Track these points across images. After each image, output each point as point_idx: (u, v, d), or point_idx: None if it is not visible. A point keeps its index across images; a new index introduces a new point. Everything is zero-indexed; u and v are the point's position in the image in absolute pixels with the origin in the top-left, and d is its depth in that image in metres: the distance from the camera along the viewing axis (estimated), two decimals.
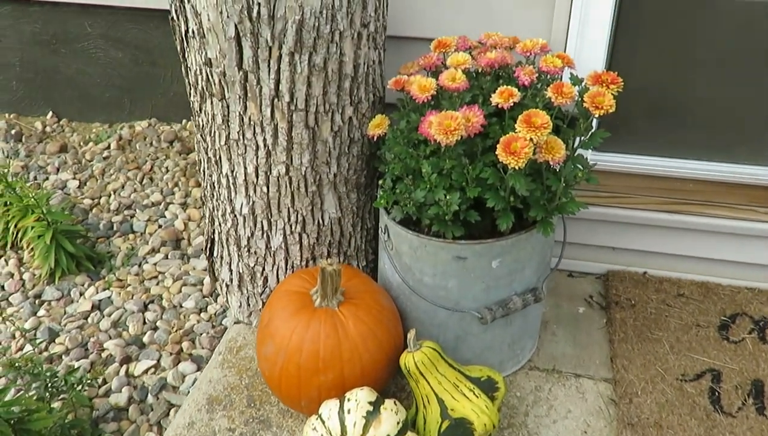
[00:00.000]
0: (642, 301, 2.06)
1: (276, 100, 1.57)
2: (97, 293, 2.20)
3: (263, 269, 1.84)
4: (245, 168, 1.69)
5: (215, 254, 1.95)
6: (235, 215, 1.79)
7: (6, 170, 2.63)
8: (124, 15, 2.87)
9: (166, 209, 2.59)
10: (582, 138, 1.47)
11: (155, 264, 2.32)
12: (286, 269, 1.83)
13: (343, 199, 1.78)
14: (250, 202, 1.74)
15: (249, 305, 1.93)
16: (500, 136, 1.47)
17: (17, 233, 2.30)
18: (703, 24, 1.86)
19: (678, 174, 2.02)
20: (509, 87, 1.47)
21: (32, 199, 2.22)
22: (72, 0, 2.88)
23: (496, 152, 1.38)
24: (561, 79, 1.55)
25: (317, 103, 1.60)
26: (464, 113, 1.45)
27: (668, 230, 2.08)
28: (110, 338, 2.03)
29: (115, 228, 2.49)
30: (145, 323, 2.09)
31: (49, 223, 2.21)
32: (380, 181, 1.61)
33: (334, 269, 1.53)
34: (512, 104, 1.46)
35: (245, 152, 1.67)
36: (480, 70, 1.59)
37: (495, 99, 1.47)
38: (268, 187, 1.71)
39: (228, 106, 1.62)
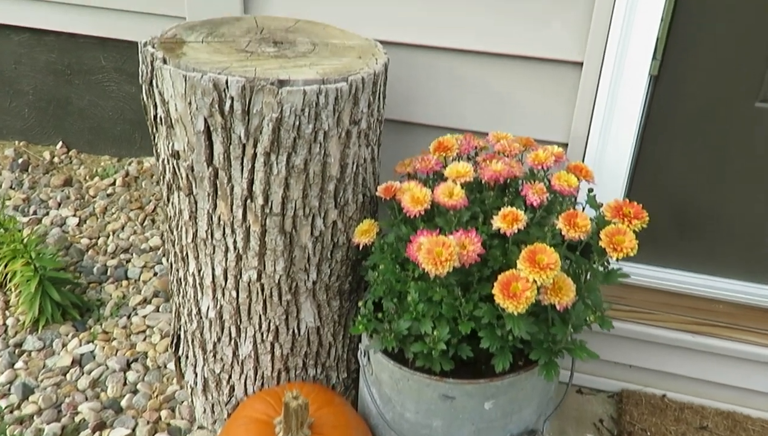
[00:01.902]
0: (659, 433, 1.81)
1: (249, 201, 1.38)
2: (80, 345, 2.06)
3: (230, 376, 1.64)
4: (213, 269, 1.50)
5: (181, 351, 1.75)
6: (201, 317, 1.59)
7: (6, 203, 2.51)
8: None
9: (164, 256, 2.43)
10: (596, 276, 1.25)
11: (145, 317, 2.17)
12: (255, 379, 1.62)
13: (323, 307, 1.58)
14: (218, 306, 1.55)
15: (213, 412, 1.72)
16: (501, 263, 1.27)
17: (6, 275, 2.16)
18: (740, 134, 1.66)
19: (705, 293, 1.79)
20: (514, 210, 1.27)
21: (20, 244, 2.08)
22: (88, 32, 2.85)
23: (493, 292, 1.17)
24: (576, 200, 1.34)
25: (295, 207, 1.40)
26: (459, 239, 1.25)
27: (692, 352, 1.85)
28: (86, 399, 1.87)
29: (108, 273, 2.36)
30: (125, 383, 1.93)
31: (36, 268, 2.07)
32: (360, 303, 1.41)
33: (300, 403, 1.32)
34: (516, 231, 1.25)
35: (213, 253, 1.47)
36: (483, 182, 1.38)
37: (498, 223, 1.26)
38: (237, 292, 1.51)
39: (196, 203, 1.43)
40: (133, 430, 1.78)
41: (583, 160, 1.68)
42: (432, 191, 1.35)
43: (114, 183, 2.88)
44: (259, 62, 1.34)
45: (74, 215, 2.66)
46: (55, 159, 3.05)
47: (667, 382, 1.94)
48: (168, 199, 1.51)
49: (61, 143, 3.10)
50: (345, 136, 1.38)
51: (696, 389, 1.92)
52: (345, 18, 1.69)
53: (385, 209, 1.49)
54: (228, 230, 1.43)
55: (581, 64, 1.61)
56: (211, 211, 1.42)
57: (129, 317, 2.17)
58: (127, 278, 2.35)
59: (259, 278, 1.47)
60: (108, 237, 2.55)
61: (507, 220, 1.26)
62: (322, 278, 1.53)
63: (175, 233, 1.54)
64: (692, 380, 1.90)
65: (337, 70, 1.34)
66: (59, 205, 2.73)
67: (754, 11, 1.54)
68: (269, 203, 1.38)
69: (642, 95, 1.60)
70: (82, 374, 1.96)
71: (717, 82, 1.63)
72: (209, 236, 1.45)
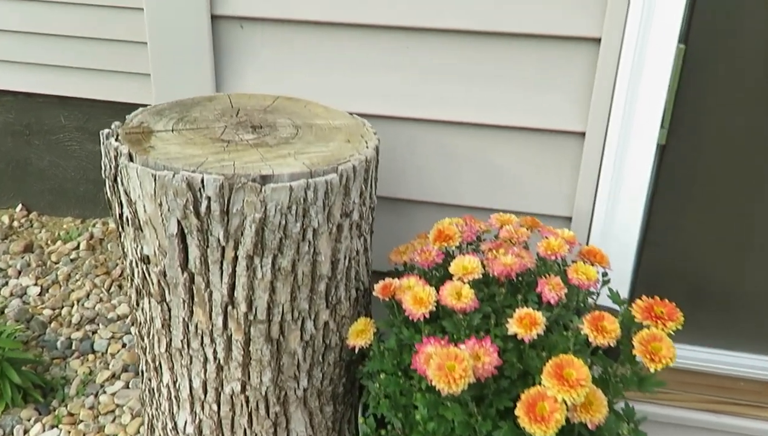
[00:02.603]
0: None
1: (230, 308, 1.22)
2: (44, 430, 1.88)
3: None
4: (190, 381, 1.33)
5: None
6: (178, 432, 1.41)
7: None
8: (102, 108, 2.76)
9: (132, 324, 2.23)
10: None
11: (113, 394, 2.01)
12: None
13: (315, 414, 1.41)
14: (196, 420, 1.37)
15: None
16: (518, 370, 1.13)
17: None
18: (756, 202, 1.55)
19: (727, 371, 1.66)
20: (531, 312, 1.13)
21: None
22: (48, 92, 2.79)
23: (516, 414, 1.03)
24: (597, 293, 1.22)
25: (283, 312, 1.25)
26: (473, 349, 1.10)
27: (714, 433, 1.71)
28: None
29: (73, 346, 2.20)
30: None
31: None
32: (360, 420, 1.25)
33: None
34: (535, 336, 1.11)
35: (191, 364, 1.30)
36: (493, 277, 1.24)
37: (514, 328, 1.12)
38: (219, 406, 1.34)
39: (170, 310, 1.26)
40: None
41: (588, 236, 1.57)
42: (436, 290, 1.21)
43: (78, 246, 2.75)
44: (237, 154, 1.19)
45: (35, 284, 2.51)
46: (15, 223, 2.93)
47: None
48: (137, 304, 1.34)
49: (21, 206, 3.01)
50: (336, 230, 1.24)
51: None
52: (326, 91, 1.57)
53: (380, 301, 1.35)
54: (207, 340, 1.26)
55: (583, 134, 1.50)
56: (187, 319, 1.25)
57: (96, 395, 2.02)
58: (93, 352, 2.19)
59: (244, 390, 1.31)
60: (72, 306, 2.41)
61: (524, 324, 1.12)
62: (313, 383, 1.37)
63: (146, 340, 1.37)
64: None
65: (326, 158, 1.21)
66: (19, 273, 2.58)
67: (765, 76, 1.45)
68: (253, 310, 1.23)
69: (650, 166, 1.49)
70: None
71: (729, 149, 1.53)
72: (185, 346, 1.29)
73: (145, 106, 1.40)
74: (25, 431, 1.88)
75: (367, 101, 1.57)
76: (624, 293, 1.59)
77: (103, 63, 2.69)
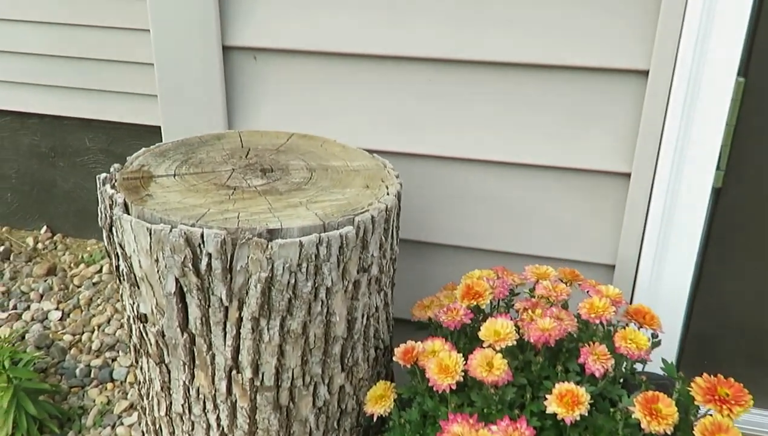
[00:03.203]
0: None
1: (234, 372, 1.10)
2: None
3: None
4: None
5: None
6: None
7: None
8: (126, 130, 2.74)
9: (134, 382, 2.15)
10: None
11: (131, 426, 1.92)
12: None
13: None
14: None
15: None
16: None
17: None
18: None
19: None
20: (573, 388, 0.99)
21: None
22: (73, 115, 2.77)
23: None
24: (646, 363, 1.07)
25: (293, 377, 1.12)
26: (506, 432, 0.96)
27: None
28: None
29: (92, 375, 2.12)
30: None
31: (10, 378, 1.82)
32: None
33: None
34: (578, 417, 0.96)
35: (192, 430, 1.19)
36: (528, 342, 1.10)
37: (553, 407, 0.98)
38: None
39: (169, 372, 1.15)
40: None
41: (633, 288, 1.42)
42: (465, 355, 1.07)
43: (101, 270, 2.69)
44: (243, 203, 1.08)
45: (57, 308, 2.45)
46: (39, 245, 2.90)
47: None
48: (136, 362, 1.23)
49: (45, 228, 2.98)
50: (353, 288, 1.11)
51: None
52: (344, 128, 1.45)
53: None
54: (210, 405, 1.14)
55: (628, 175, 1.36)
56: (188, 382, 1.14)
57: (113, 426, 1.93)
58: (112, 380, 2.11)
59: None
60: (93, 332, 2.34)
61: (565, 402, 0.98)
62: None
63: (145, 401, 1.25)
64: None
65: (341, 208, 1.08)
66: (41, 297, 2.52)
67: None
68: (260, 375, 1.10)
69: (704, 211, 1.34)
70: None
71: None
72: (186, 411, 1.17)
73: None
74: None
75: (388, 137, 1.45)
76: (672, 353, 1.43)
77: (125, 86, 2.67)
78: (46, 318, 2.40)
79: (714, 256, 1.45)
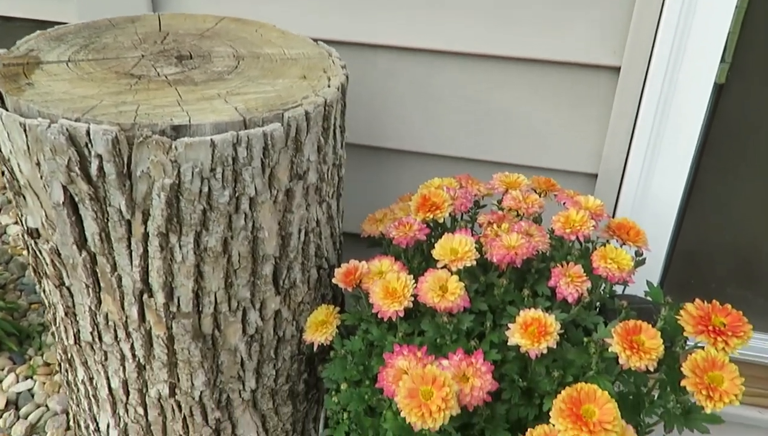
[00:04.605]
0: None
1: (146, 296, 0.93)
2: (18, 381, 1.67)
3: None
4: (108, 380, 1.06)
5: None
6: (101, 435, 1.15)
7: None
8: (23, 27, 2.39)
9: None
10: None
11: None
12: None
13: (270, 417, 1.14)
14: (121, 424, 1.11)
15: None
16: (518, 396, 0.84)
17: None
18: None
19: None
20: (540, 316, 0.83)
21: None
22: None
23: None
24: (627, 285, 0.91)
25: (216, 302, 0.96)
26: (458, 368, 0.81)
27: (756, 431, 1.44)
28: None
29: None
30: (68, 428, 1.53)
31: None
32: None
33: None
34: (545, 350, 0.81)
35: (106, 360, 1.03)
36: (492, 262, 0.93)
37: (515, 338, 0.83)
38: (145, 409, 1.07)
39: (72, 296, 0.98)
40: None
41: (617, 201, 1.25)
42: (414, 279, 0.91)
43: None
44: (147, 94, 0.88)
45: (16, 223, 2.24)
46: None
47: None
48: (39, 283, 1.06)
49: None
50: (284, 198, 0.93)
51: None
52: (289, 13, 1.23)
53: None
54: (122, 334, 0.98)
55: (618, 69, 1.16)
56: (94, 308, 0.97)
57: None
58: None
59: (173, 393, 1.04)
60: None
61: (529, 332, 0.82)
62: (264, 383, 1.10)
63: (53, 327, 1.09)
64: None
65: (268, 102, 0.89)
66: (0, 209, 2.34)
67: None
68: (175, 300, 0.94)
69: (702, 112, 1.15)
70: (18, 418, 1.57)
71: None
72: (96, 340, 1.01)
73: None
74: None
75: (339, 22, 1.23)
76: (655, 273, 1.29)
77: None
78: (5, 233, 2.21)
79: (709, 166, 1.28)
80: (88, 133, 0.80)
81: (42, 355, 1.73)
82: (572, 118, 1.22)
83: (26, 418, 1.56)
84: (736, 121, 1.23)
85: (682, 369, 0.75)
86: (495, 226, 0.96)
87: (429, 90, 1.26)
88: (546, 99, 1.22)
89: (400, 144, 1.31)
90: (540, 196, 1.04)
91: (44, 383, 1.65)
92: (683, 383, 0.74)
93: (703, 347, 0.78)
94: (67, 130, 0.79)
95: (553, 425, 0.74)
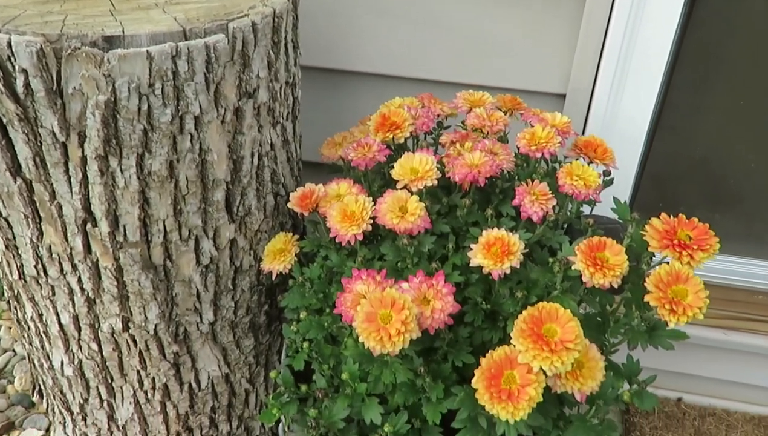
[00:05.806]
0: None
1: (90, 226, 0.88)
2: None
3: None
4: (58, 316, 1.01)
5: (46, 405, 1.29)
6: (56, 374, 1.11)
7: None
8: None
9: None
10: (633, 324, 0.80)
11: None
12: None
13: (231, 350, 1.11)
14: (75, 361, 1.07)
15: None
16: (481, 319, 0.81)
17: None
18: None
19: (744, 283, 1.37)
20: (503, 235, 0.80)
21: None
22: None
23: (474, 386, 0.72)
24: (595, 205, 0.88)
25: (165, 230, 0.91)
26: (419, 290, 0.78)
27: (718, 351, 1.46)
28: None
29: None
30: None
31: None
32: (272, 374, 0.94)
33: None
34: (508, 270, 0.78)
35: (53, 295, 0.98)
36: (455, 182, 0.89)
37: (478, 259, 0.79)
38: (99, 345, 1.03)
39: (11, 228, 0.92)
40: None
41: (585, 120, 1.21)
42: (374, 201, 0.87)
43: None
44: (76, 4, 0.80)
45: None
46: None
47: (683, 383, 1.55)
48: None
49: None
50: (233, 117, 0.88)
51: (719, 391, 1.54)
52: None
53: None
54: (67, 267, 0.93)
55: None
56: (35, 240, 0.91)
57: None
58: None
59: (126, 327, 0.99)
60: None
61: (492, 253, 0.79)
62: (223, 315, 1.06)
63: None
64: (715, 380, 1.52)
65: (211, 12, 0.82)
66: None
67: None
68: (120, 229, 0.88)
69: (676, 21, 1.10)
70: None
71: None
72: (42, 274, 0.96)
73: None
74: None
75: None
76: (625, 195, 1.26)
77: None
78: None
79: (680, 83, 1.24)
80: (9, 44, 0.73)
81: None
82: (539, 34, 1.17)
83: None
84: (709, 34, 1.18)
85: (645, 285, 0.72)
86: (458, 145, 0.92)
87: (384, 4, 1.19)
88: (511, 11, 1.16)
89: (355, 65, 1.25)
90: (506, 115, 1.00)
91: (10, 328, 1.61)
92: (646, 298, 0.72)
93: (668, 262, 0.75)
94: None
95: (514, 346, 0.72)
